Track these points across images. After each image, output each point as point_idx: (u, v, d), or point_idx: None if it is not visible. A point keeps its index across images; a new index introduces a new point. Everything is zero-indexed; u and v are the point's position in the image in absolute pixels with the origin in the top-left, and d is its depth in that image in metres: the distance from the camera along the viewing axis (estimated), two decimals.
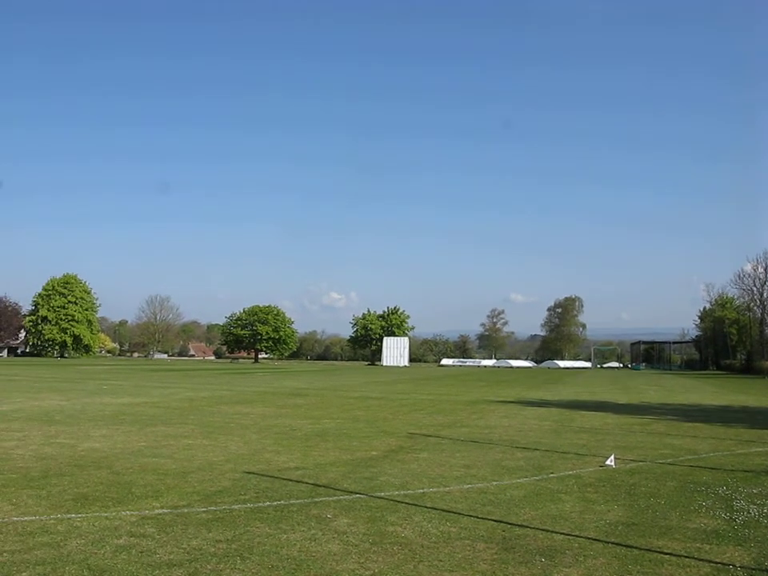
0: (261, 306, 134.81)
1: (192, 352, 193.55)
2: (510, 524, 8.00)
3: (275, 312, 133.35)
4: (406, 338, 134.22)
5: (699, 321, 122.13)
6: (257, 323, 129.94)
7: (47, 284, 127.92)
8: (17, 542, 6.96)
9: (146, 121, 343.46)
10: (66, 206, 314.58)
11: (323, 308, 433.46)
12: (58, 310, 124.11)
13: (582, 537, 7.50)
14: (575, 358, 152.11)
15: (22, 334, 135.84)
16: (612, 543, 7.27)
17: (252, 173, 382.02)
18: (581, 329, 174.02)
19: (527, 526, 7.92)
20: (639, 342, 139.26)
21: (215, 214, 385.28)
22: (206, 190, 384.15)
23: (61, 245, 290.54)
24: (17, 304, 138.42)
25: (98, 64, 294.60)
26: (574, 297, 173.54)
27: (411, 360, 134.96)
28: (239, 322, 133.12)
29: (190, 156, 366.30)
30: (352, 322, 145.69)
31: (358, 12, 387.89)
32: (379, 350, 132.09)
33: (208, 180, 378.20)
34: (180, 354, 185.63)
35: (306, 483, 10.16)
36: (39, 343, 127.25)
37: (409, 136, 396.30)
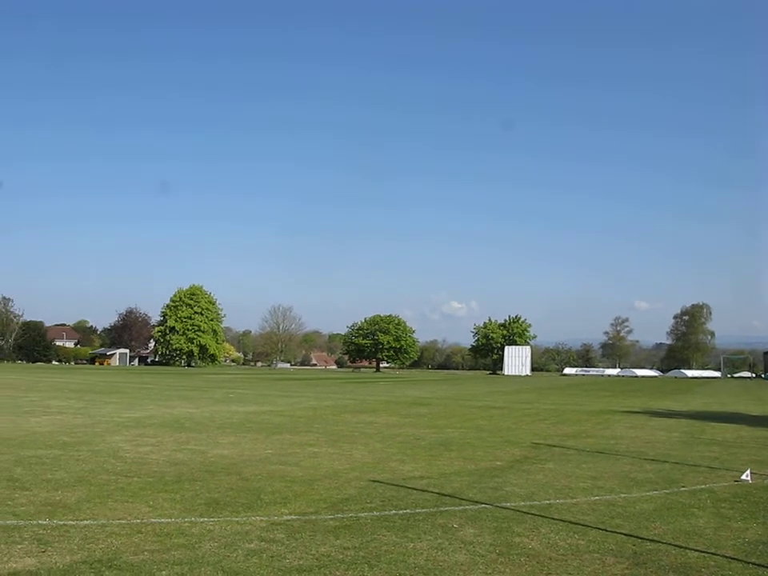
0: (382, 315, 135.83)
1: (314, 361, 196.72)
2: (640, 538, 7.77)
3: (396, 321, 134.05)
4: (528, 347, 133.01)
5: None
6: (378, 333, 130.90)
7: (174, 295, 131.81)
8: (155, 543, 7.24)
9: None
10: (185, 214, 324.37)
11: (444, 317, 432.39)
12: (184, 320, 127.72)
13: (718, 555, 7.19)
14: (703, 368, 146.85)
15: (152, 344, 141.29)
16: (753, 564, 6.92)
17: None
18: (709, 337, 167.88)
19: (659, 541, 7.68)
20: None
21: (333, 226, 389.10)
22: (339, 205, 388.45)
23: (187, 256, 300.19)
24: (146, 315, 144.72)
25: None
26: (701, 304, 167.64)
27: (533, 369, 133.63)
28: (361, 332, 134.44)
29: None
30: (473, 330, 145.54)
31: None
32: (501, 359, 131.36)
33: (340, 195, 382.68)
34: (302, 364, 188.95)
35: (431, 492, 10.16)
36: (167, 352, 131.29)
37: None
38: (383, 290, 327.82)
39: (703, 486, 11.12)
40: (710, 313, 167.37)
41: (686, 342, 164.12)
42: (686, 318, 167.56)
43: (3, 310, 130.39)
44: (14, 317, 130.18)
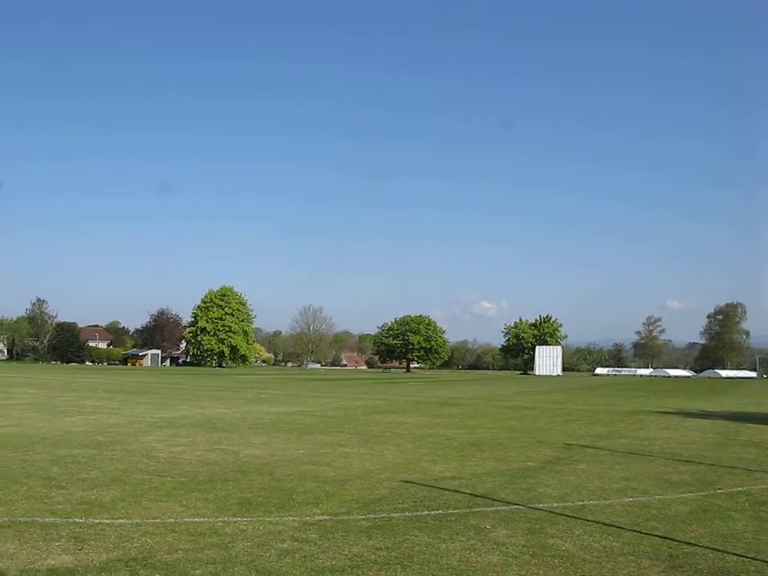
0: (412, 315, 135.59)
1: (344, 362, 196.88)
2: (676, 541, 7.68)
3: (426, 321, 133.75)
4: (559, 347, 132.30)
5: None
6: (408, 333, 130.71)
7: (205, 296, 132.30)
8: (189, 542, 7.29)
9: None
10: (215, 213, 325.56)
11: (474, 317, 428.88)
12: (215, 321, 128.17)
13: (758, 560, 7.07)
14: (738, 368, 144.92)
15: (183, 345, 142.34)
16: None
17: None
18: (744, 336, 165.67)
19: (695, 544, 7.57)
20: None
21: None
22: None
23: (217, 257, 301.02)
24: (178, 316, 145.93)
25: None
26: (735, 303, 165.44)
27: (564, 369, 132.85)
28: (391, 332, 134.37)
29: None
30: (504, 330, 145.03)
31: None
32: (531, 359, 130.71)
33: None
34: (333, 364, 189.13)
35: (463, 493, 10.13)
36: (198, 353, 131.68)
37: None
38: (413, 291, 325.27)
39: (740, 489, 10.97)
40: (745, 312, 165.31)
41: (720, 341, 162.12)
42: (719, 317, 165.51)
43: (38, 312, 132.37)
44: (49, 318, 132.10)
